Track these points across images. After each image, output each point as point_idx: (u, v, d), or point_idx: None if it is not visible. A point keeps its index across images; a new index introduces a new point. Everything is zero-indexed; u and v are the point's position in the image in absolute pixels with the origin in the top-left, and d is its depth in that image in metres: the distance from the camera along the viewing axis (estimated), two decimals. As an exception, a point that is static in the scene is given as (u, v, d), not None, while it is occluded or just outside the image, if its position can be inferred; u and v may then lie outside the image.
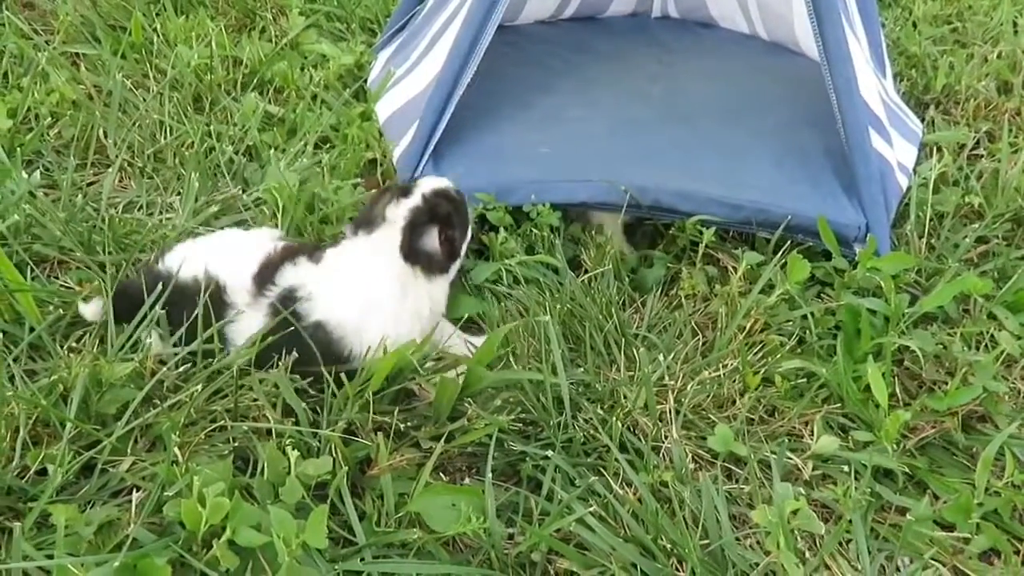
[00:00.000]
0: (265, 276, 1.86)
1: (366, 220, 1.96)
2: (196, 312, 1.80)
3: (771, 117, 2.70)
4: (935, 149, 2.80)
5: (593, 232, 2.36)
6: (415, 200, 1.94)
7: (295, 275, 1.87)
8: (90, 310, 1.94)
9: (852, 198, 2.34)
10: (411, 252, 1.90)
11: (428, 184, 1.99)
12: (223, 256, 1.91)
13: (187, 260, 1.89)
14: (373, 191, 2.38)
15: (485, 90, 2.49)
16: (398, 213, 1.93)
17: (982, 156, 2.83)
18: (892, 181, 2.43)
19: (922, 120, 2.98)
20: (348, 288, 1.87)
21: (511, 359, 1.96)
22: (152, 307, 1.84)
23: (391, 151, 2.53)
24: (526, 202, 2.29)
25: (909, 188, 2.52)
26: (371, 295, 1.87)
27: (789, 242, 2.29)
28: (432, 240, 1.92)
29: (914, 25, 3.60)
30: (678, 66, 3.03)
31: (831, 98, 2.31)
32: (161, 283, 1.86)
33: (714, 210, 2.28)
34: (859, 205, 2.31)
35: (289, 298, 1.83)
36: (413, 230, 1.91)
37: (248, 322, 1.84)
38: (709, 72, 3.03)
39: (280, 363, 1.79)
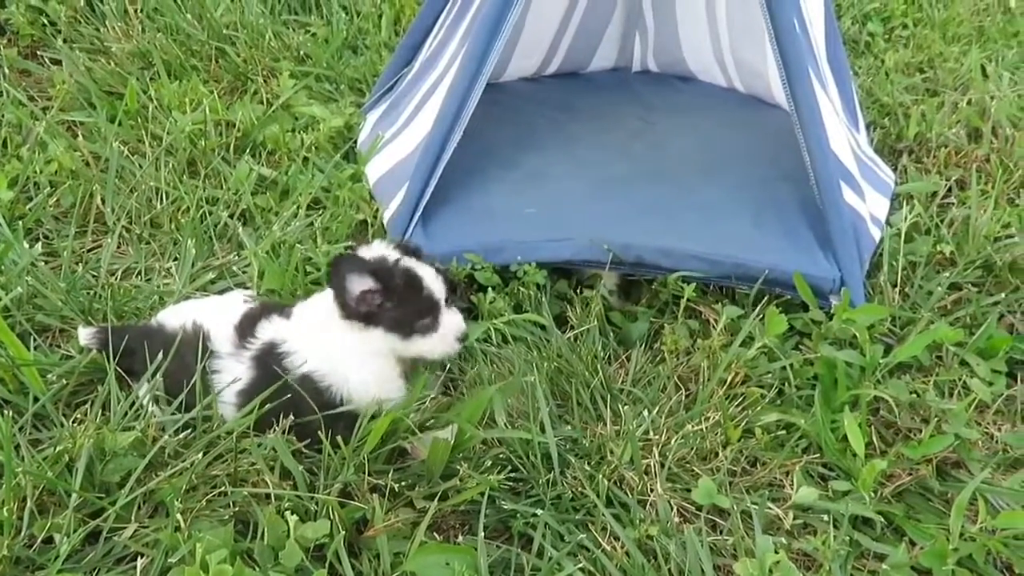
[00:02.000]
0: (246, 328, 1.96)
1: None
2: (185, 367, 1.92)
3: (748, 172, 2.79)
4: (907, 198, 2.89)
5: (581, 288, 2.43)
6: (392, 254, 1.94)
7: (274, 330, 1.95)
8: (84, 334, 2.05)
9: (827, 252, 2.42)
10: (333, 272, 1.88)
11: (416, 263, 1.96)
12: (205, 311, 2.02)
13: (173, 315, 2.04)
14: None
15: (471, 150, 2.57)
16: (378, 248, 1.97)
17: (953, 204, 2.92)
18: (865, 234, 2.52)
19: (895, 169, 3.07)
20: (316, 336, 1.93)
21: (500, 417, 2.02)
22: (153, 373, 1.92)
23: (381, 213, 2.60)
24: (513, 262, 2.37)
25: (882, 239, 2.61)
26: (332, 335, 1.92)
27: (767, 296, 2.36)
28: (356, 284, 1.87)
29: (886, 74, 3.71)
30: (658, 123, 3.13)
31: (803, 155, 2.40)
32: (154, 335, 2.00)
33: (694, 266, 2.36)
34: (834, 258, 2.40)
35: (271, 353, 1.92)
36: (352, 259, 1.91)
37: (231, 373, 1.92)
38: (688, 128, 3.13)
39: (277, 425, 1.86)
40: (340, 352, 1.92)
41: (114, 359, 1.98)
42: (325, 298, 1.95)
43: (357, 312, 1.89)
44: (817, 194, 2.42)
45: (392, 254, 1.95)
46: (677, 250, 2.38)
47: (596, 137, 2.98)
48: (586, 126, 3.06)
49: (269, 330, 1.95)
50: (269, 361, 1.91)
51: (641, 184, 2.70)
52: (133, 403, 1.95)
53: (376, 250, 1.96)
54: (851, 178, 2.59)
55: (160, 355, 1.93)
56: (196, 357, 1.91)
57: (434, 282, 1.93)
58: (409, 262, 1.93)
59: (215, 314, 2.01)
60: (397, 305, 1.89)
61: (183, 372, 1.92)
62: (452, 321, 1.96)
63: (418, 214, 2.44)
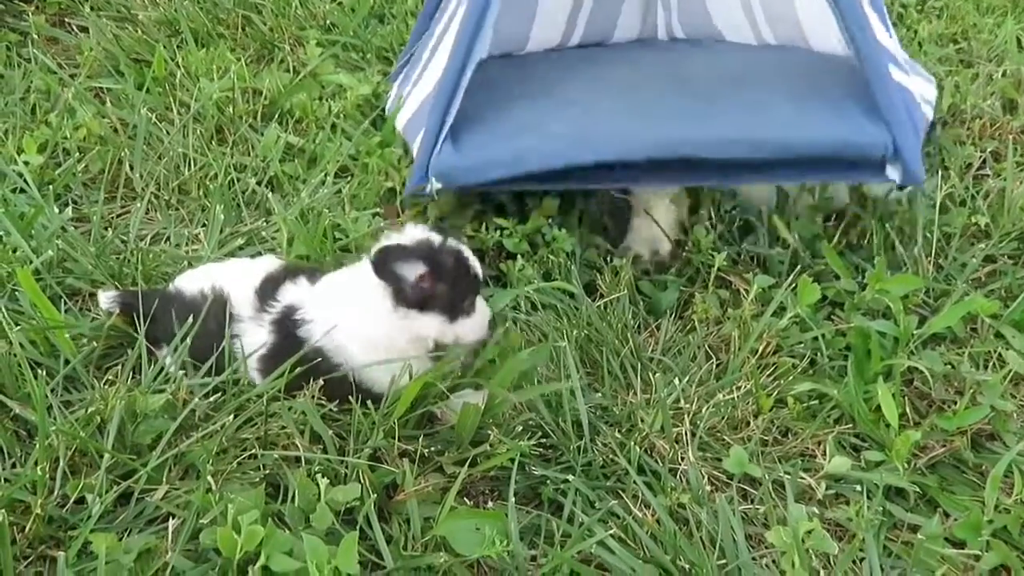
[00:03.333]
0: (267, 291, 1.94)
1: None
2: (207, 332, 1.93)
3: (787, 74, 2.75)
4: (941, 167, 2.85)
5: (611, 257, 2.40)
6: (433, 236, 1.91)
7: (295, 294, 1.93)
8: (105, 298, 2.07)
9: (876, 121, 2.30)
10: (382, 264, 1.83)
11: (457, 243, 1.93)
12: (228, 274, 2.01)
13: (194, 279, 2.03)
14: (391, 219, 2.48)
15: (497, 89, 2.56)
16: (415, 233, 1.92)
17: (988, 176, 2.88)
18: (916, 108, 2.45)
19: (928, 140, 3.02)
20: (334, 310, 1.89)
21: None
22: (182, 338, 1.93)
23: (412, 150, 2.53)
24: (540, 168, 2.27)
25: (932, 124, 2.60)
26: (349, 315, 1.88)
27: (799, 266, 2.33)
28: (410, 271, 1.83)
29: (920, 45, 3.65)
30: (689, 62, 3.09)
31: (845, 39, 2.32)
32: (173, 301, 2.00)
33: (736, 152, 2.26)
34: (884, 127, 2.28)
35: (289, 317, 1.90)
36: (398, 247, 1.86)
37: (252, 336, 1.92)
38: (723, 58, 3.11)
39: (307, 385, 1.86)
40: (364, 340, 1.87)
41: (137, 324, 1.99)
42: (358, 281, 1.90)
43: (416, 299, 1.85)
44: (863, 72, 2.30)
45: (433, 235, 1.90)
46: (716, 138, 2.28)
47: (628, 72, 2.92)
48: (618, 68, 2.99)
49: (291, 293, 1.93)
50: (288, 326, 1.89)
51: (677, 99, 2.59)
52: (163, 367, 1.96)
53: (414, 233, 1.91)
54: (895, 60, 2.51)
55: (185, 320, 1.93)
56: (217, 321, 1.91)
57: (476, 261, 1.92)
58: (452, 242, 1.90)
59: (235, 277, 2.00)
60: (451, 287, 1.87)
61: (205, 337, 1.92)
62: (483, 304, 1.96)
63: (444, 131, 2.32)
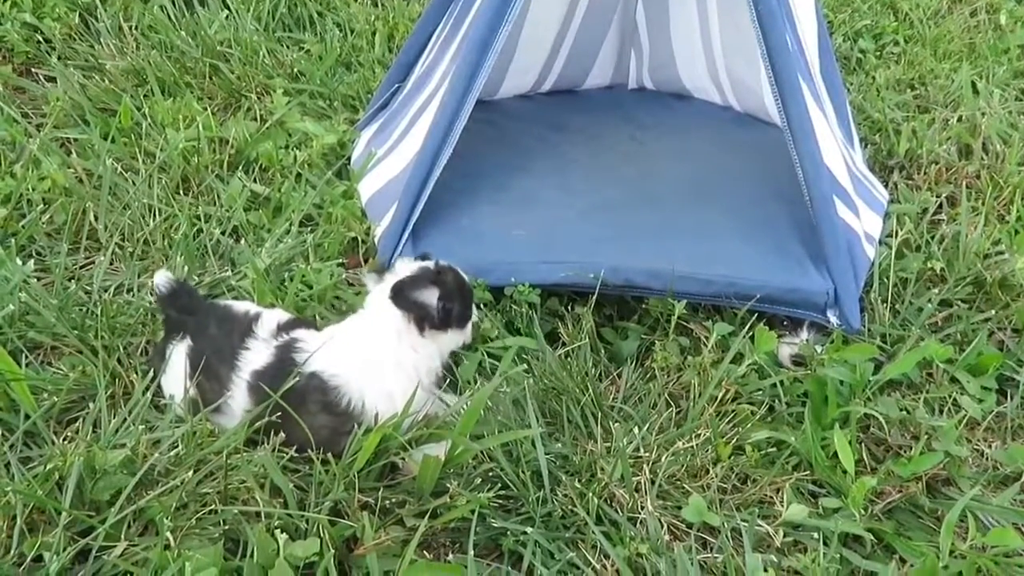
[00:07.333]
0: (286, 327, 2.06)
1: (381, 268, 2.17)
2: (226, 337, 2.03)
3: (740, 192, 2.81)
4: (898, 216, 2.90)
5: (573, 305, 2.43)
6: (428, 263, 2.11)
7: (302, 332, 2.04)
8: (161, 276, 2.12)
9: (820, 266, 2.44)
10: (401, 296, 2.00)
11: (447, 263, 2.14)
12: (268, 311, 2.15)
13: (243, 304, 2.18)
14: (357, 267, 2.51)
15: (463, 170, 2.60)
16: (408, 267, 2.09)
17: (943, 221, 2.93)
18: (860, 251, 2.53)
19: (886, 185, 3.08)
20: (345, 337, 2.03)
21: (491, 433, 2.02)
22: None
23: (373, 231, 2.61)
24: (502, 283, 2.38)
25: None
26: (365, 342, 2.02)
27: (757, 313, 2.37)
28: (428, 296, 2.01)
29: (877, 91, 3.73)
30: (651, 144, 3.14)
31: (797, 172, 2.42)
32: (217, 309, 2.13)
33: (685, 286, 2.37)
34: (827, 272, 2.42)
35: (289, 345, 2.00)
36: (411, 279, 2.03)
37: (257, 353, 1.99)
38: (680, 150, 3.14)
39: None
40: (371, 352, 2.00)
41: (173, 312, 2.09)
42: (375, 323, 2.04)
43: (442, 320, 2.03)
44: (811, 209, 2.43)
45: (426, 263, 2.12)
46: (667, 272, 2.38)
47: (588, 160, 2.98)
48: (579, 148, 3.06)
49: (299, 332, 2.05)
50: (285, 350, 1.99)
51: (631, 209, 2.71)
52: (124, 419, 1.96)
53: (408, 267, 2.10)
54: (845, 195, 2.60)
55: (222, 322, 2.05)
56: (241, 334, 2.02)
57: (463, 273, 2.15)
58: (443, 262, 2.13)
59: (272, 312, 2.13)
60: (460, 304, 2.08)
61: (222, 340, 2.01)
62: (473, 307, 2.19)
63: (408, 231, 2.44)
